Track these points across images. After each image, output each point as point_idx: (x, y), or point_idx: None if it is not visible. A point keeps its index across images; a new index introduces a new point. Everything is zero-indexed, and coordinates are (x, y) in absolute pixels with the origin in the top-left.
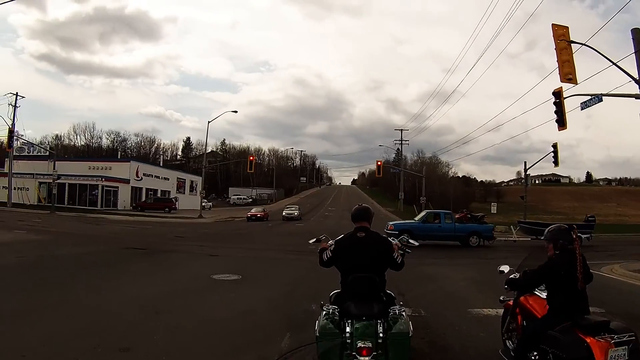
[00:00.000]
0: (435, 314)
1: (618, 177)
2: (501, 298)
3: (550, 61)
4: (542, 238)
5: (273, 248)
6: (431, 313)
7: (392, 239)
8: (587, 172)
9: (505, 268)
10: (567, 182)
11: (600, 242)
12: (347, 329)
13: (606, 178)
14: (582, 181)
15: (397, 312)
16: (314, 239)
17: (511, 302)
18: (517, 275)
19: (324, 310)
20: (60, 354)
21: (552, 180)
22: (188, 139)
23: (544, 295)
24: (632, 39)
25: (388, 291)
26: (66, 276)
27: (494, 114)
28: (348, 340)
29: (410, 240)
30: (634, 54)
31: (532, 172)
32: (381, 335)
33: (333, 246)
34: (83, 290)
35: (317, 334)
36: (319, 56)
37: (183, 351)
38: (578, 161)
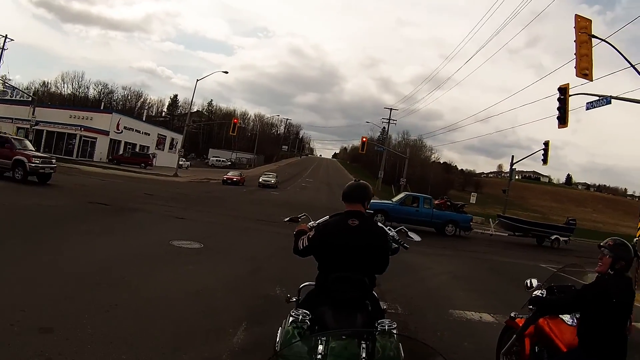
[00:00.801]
0: (415, 313)
1: (597, 184)
2: (512, 314)
3: (549, 61)
4: (601, 248)
5: (244, 216)
6: (410, 311)
7: (389, 229)
8: (568, 175)
9: (532, 282)
10: (547, 181)
11: (577, 247)
12: (320, 348)
13: (585, 183)
14: (561, 182)
15: (386, 328)
16: (289, 217)
17: (521, 321)
18: (544, 292)
19: (291, 316)
20: None
21: (532, 178)
22: (175, 96)
23: (568, 319)
24: None
25: (374, 292)
26: (9, 232)
27: (485, 106)
28: None
29: (410, 234)
30: None
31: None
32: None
33: (313, 232)
34: (21, 251)
35: (277, 350)
36: (319, 28)
37: (113, 339)
38: (561, 163)
